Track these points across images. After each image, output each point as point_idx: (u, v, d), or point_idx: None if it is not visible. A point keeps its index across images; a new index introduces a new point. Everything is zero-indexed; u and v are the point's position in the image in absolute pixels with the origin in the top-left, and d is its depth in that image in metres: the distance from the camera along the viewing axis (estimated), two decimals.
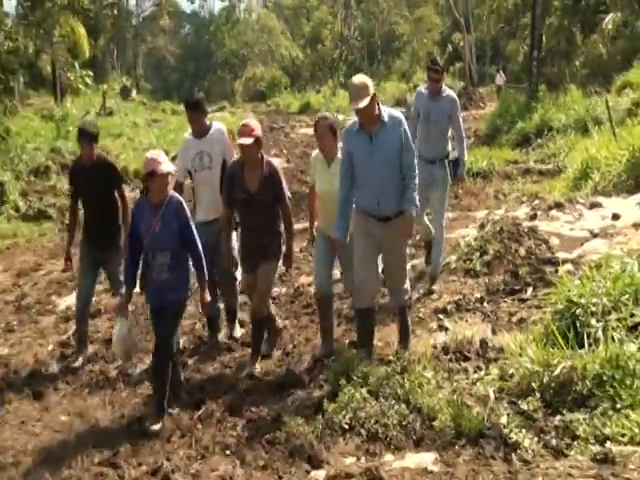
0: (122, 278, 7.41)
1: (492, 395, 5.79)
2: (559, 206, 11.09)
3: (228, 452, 5.68)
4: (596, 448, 4.96)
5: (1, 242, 12.91)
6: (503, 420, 5.39)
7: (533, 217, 10.63)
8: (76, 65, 32.71)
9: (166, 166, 6.07)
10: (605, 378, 5.48)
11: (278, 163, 7.28)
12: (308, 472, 5.25)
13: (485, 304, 8.01)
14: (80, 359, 7.93)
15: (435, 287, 8.84)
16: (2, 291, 10.81)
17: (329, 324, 7.52)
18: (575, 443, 5.09)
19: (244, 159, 6.95)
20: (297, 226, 9.36)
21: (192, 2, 70.32)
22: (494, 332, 7.17)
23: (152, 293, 6.51)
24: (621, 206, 10.74)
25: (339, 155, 6.94)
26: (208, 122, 7.89)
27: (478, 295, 8.25)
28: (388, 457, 5.34)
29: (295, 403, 6.26)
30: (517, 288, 8.23)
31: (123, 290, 7.25)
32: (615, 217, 10.11)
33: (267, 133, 29.29)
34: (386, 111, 6.46)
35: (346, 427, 5.69)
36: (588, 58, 31.21)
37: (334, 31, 58.21)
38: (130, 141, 22.54)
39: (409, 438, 5.51)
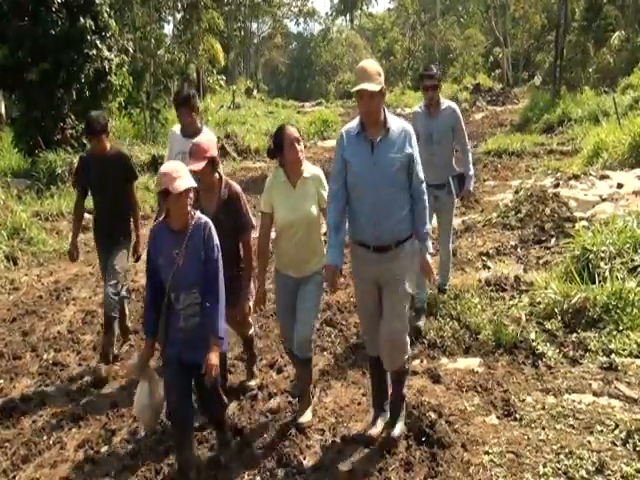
0: (120, 278, 5.47)
1: (523, 317, 5.71)
2: (576, 177, 10.89)
3: (325, 353, 5.63)
4: (603, 359, 4.94)
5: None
6: (532, 336, 5.34)
7: (556, 185, 10.46)
8: (214, 72, 32.99)
9: (183, 182, 3.51)
10: (611, 307, 5.43)
11: (239, 187, 4.52)
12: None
13: (518, 250, 7.87)
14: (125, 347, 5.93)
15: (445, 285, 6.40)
16: None
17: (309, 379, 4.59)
18: (587, 354, 5.06)
19: (199, 183, 4.01)
20: None
21: (298, 25, 70.66)
22: (525, 271, 7.04)
23: (177, 348, 3.73)
24: (624, 178, 10.45)
25: (307, 173, 4.27)
26: (199, 123, 5.46)
27: (513, 243, 8.11)
28: (444, 360, 5.32)
29: None
30: (543, 238, 8.07)
31: (114, 290, 5.37)
32: (620, 186, 9.90)
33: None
34: (393, 119, 3.93)
35: (412, 338, 5.68)
36: (599, 66, 30.07)
37: (403, 47, 57.69)
38: (252, 127, 22.58)
39: (460, 347, 5.47)
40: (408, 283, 4.01)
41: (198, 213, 3.73)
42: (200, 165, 4.14)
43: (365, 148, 3.86)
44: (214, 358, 3.56)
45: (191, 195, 3.57)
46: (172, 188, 3.48)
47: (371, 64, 3.81)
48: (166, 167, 3.63)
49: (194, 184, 3.58)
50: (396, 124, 3.90)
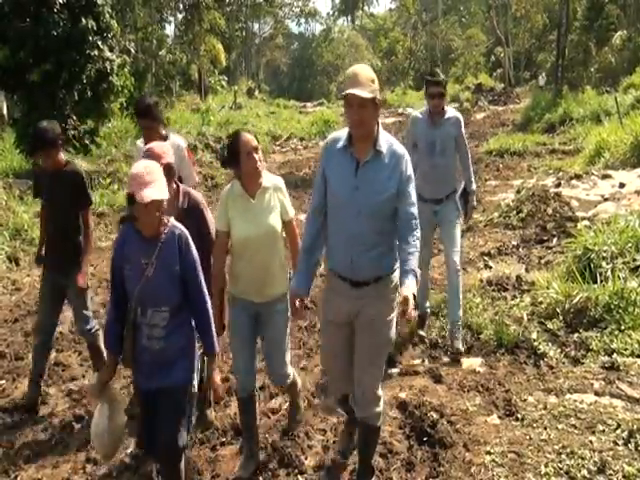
0: (89, 314, 4.89)
1: (525, 317, 5.72)
2: (578, 177, 10.90)
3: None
4: (605, 358, 4.93)
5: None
6: (534, 335, 5.34)
7: (558, 185, 10.48)
8: (215, 72, 33.04)
9: (153, 192, 2.99)
10: (612, 306, 5.43)
11: (200, 196, 4.11)
12: (386, 370, 5.25)
13: (520, 250, 7.88)
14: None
15: (460, 346, 5.32)
16: None
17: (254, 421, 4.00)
18: (589, 354, 5.05)
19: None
20: None
21: (299, 25, 70.76)
22: (527, 270, 7.06)
23: (140, 369, 3.30)
24: (626, 177, 10.47)
25: (267, 183, 3.74)
26: (164, 132, 4.84)
27: (515, 243, 8.12)
28: (445, 360, 5.32)
29: None
30: (545, 238, 8.09)
31: (89, 326, 4.86)
32: (621, 185, 9.92)
33: None
34: (387, 139, 3.29)
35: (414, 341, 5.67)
36: (601, 65, 30.07)
37: (405, 46, 57.73)
38: (254, 127, 22.54)
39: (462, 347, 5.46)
40: (390, 328, 3.39)
41: (172, 220, 3.24)
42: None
43: (348, 167, 3.26)
44: (217, 378, 3.41)
45: (165, 204, 3.08)
46: (139, 197, 2.96)
47: (364, 69, 3.23)
48: (138, 167, 3.09)
49: (166, 196, 3.07)
50: (389, 146, 3.27)
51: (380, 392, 3.48)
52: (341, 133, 3.37)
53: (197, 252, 3.45)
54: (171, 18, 30.45)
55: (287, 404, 4.59)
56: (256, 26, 54.47)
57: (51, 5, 13.07)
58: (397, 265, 3.33)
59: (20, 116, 14.70)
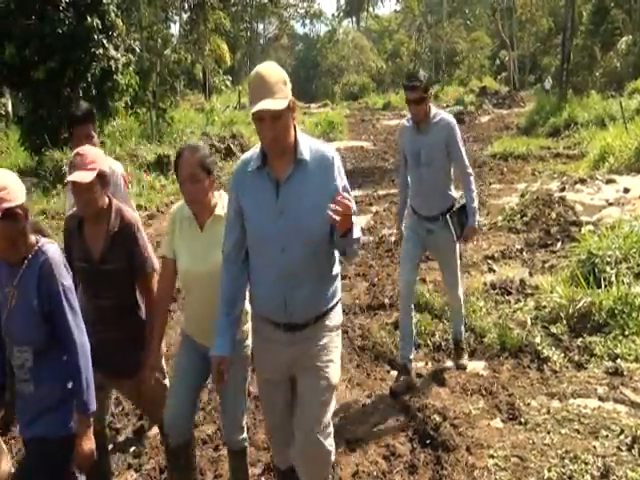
0: None
1: (529, 321, 5.70)
2: (582, 181, 10.85)
3: None
4: (609, 364, 4.92)
5: (167, 199, 13.15)
6: (537, 340, 5.33)
7: (562, 189, 10.44)
8: (220, 72, 33.07)
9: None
10: (616, 311, 5.41)
11: (136, 216, 3.41)
12: (388, 371, 5.26)
13: (524, 253, 7.86)
14: None
15: (464, 362, 5.14)
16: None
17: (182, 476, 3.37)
18: (592, 359, 5.03)
19: (80, 208, 3.19)
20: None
21: (304, 26, 70.89)
22: (531, 274, 7.04)
23: (18, 415, 2.79)
24: (631, 182, 10.40)
25: (221, 210, 3.13)
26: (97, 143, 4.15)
27: (518, 247, 8.10)
28: (449, 363, 5.30)
29: (379, 321, 6.24)
30: (549, 242, 8.06)
31: None
32: (626, 190, 9.86)
33: (359, 124, 28.98)
34: (308, 143, 2.69)
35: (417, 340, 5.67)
36: (606, 70, 30.10)
37: (409, 48, 57.81)
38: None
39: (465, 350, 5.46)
40: (334, 370, 2.86)
41: (44, 242, 2.65)
42: (88, 176, 3.03)
43: (267, 190, 2.65)
44: (87, 444, 2.64)
45: (19, 222, 2.56)
46: None
47: (271, 69, 2.57)
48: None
49: (17, 202, 2.56)
50: (313, 150, 2.67)
51: (332, 446, 2.91)
52: (250, 153, 2.77)
53: (131, 288, 3.14)
54: (176, 17, 30.52)
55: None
56: (261, 26, 54.63)
57: (57, 3, 13.15)
58: (339, 295, 2.89)
59: (25, 114, 14.78)
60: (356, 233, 2.60)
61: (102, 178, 3.12)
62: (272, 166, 2.66)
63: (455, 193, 4.88)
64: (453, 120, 4.74)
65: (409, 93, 4.56)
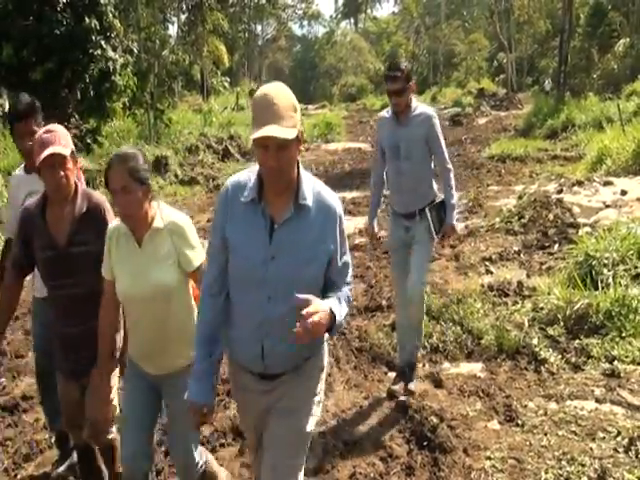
0: None
1: (526, 322, 5.71)
2: (580, 183, 10.86)
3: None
4: (606, 365, 4.93)
5: (165, 199, 13.17)
6: (534, 341, 5.34)
7: (560, 191, 10.44)
8: (218, 73, 33.06)
9: None
10: (614, 313, 5.42)
11: (104, 198, 3.17)
12: (386, 373, 5.27)
13: (521, 255, 7.87)
14: None
15: (412, 386, 4.73)
16: None
17: None
18: (590, 361, 5.05)
19: (48, 188, 3.02)
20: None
21: (302, 28, 71.25)
22: (528, 276, 7.05)
23: None
24: (628, 184, 10.41)
25: (159, 223, 2.84)
26: None
27: (516, 248, 8.11)
28: (446, 365, 5.32)
29: (377, 322, 6.24)
30: (546, 244, 8.07)
31: None
32: (623, 193, 9.87)
33: (357, 126, 29.01)
34: (312, 186, 2.40)
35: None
36: (603, 72, 30.14)
37: (407, 50, 57.96)
38: None
39: (462, 352, 5.48)
40: (310, 418, 2.57)
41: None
42: (65, 150, 2.95)
43: (260, 229, 2.36)
44: None
45: None
46: None
47: (281, 92, 2.26)
48: None
49: None
50: (316, 195, 2.40)
51: None
52: (245, 177, 2.43)
53: (99, 277, 2.89)
54: (174, 18, 30.48)
55: None
56: (259, 28, 54.52)
57: (54, 4, 13.12)
58: (325, 346, 2.64)
59: None
60: (338, 319, 2.33)
61: (73, 156, 3.05)
62: (269, 201, 2.37)
63: (436, 190, 4.68)
64: (434, 113, 4.59)
65: (390, 84, 4.41)
